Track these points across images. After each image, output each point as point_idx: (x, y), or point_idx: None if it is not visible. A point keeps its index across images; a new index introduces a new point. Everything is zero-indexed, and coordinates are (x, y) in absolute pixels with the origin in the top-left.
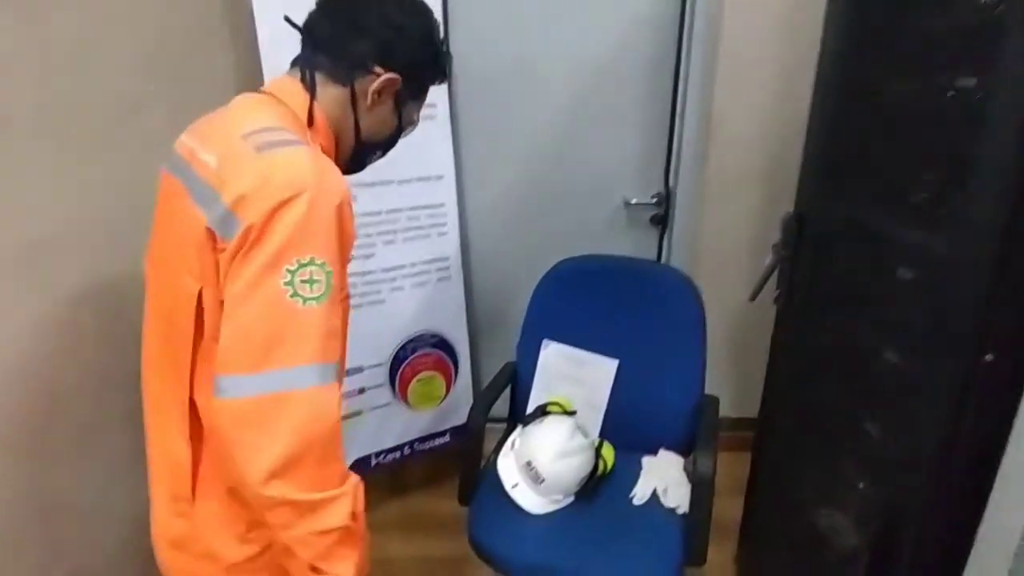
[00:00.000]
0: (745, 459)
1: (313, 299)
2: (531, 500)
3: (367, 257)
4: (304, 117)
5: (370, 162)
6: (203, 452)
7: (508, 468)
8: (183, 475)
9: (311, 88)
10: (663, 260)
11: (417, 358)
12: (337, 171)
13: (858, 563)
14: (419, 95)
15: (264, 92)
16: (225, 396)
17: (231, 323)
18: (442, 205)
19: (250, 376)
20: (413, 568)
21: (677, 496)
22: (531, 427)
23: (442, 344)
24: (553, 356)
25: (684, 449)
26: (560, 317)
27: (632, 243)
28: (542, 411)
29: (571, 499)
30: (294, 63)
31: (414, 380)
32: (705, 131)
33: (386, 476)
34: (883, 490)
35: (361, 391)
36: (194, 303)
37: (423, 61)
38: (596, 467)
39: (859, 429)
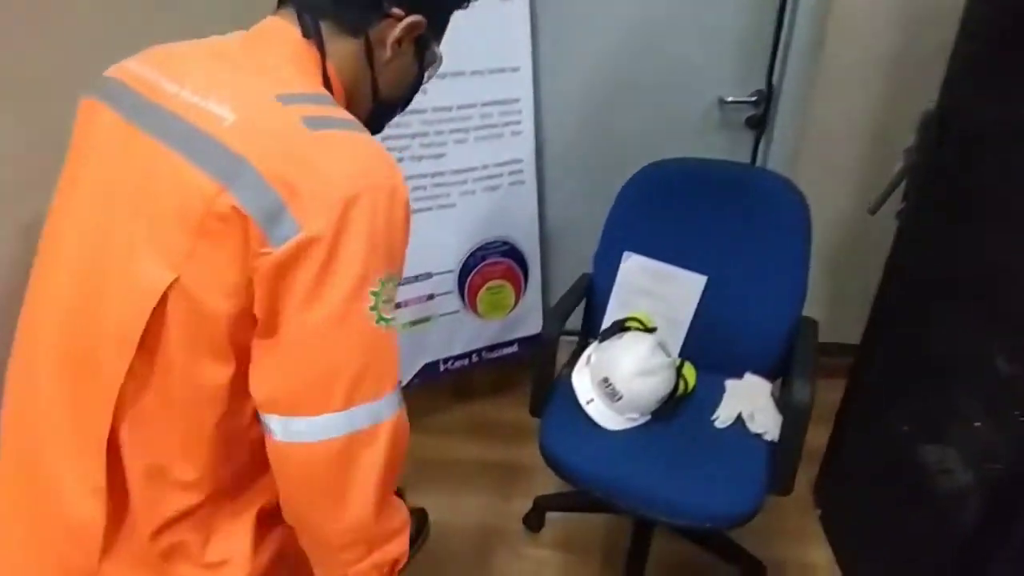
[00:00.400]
0: (833, 386)
1: (393, 319)
2: (606, 416)
3: (438, 157)
4: (316, 77)
5: (388, 122)
6: (122, 508)
7: (583, 383)
8: (87, 542)
9: (319, 42)
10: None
11: (486, 266)
12: (390, 157)
13: (967, 503)
14: (443, 30)
15: (261, 36)
16: (304, 440)
17: (311, 355)
18: (517, 101)
19: (339, 415)
20: (477, 471)
21: (764, 421)
22: (608, 343)
23: (512, 252)
24: (634, 270)
25: (772, 373)
26: (643, 227)
27: (724, 146)
28: (620, 327)
29: (648, 418)
30: (282, 2)
31: (483, 289)
32: (821, 17)
33: (452, 382)
34: (1008, 431)
35: (430, 297)
36: (153, 300)
37: None
38: (676, 387)
39: (985, 364)
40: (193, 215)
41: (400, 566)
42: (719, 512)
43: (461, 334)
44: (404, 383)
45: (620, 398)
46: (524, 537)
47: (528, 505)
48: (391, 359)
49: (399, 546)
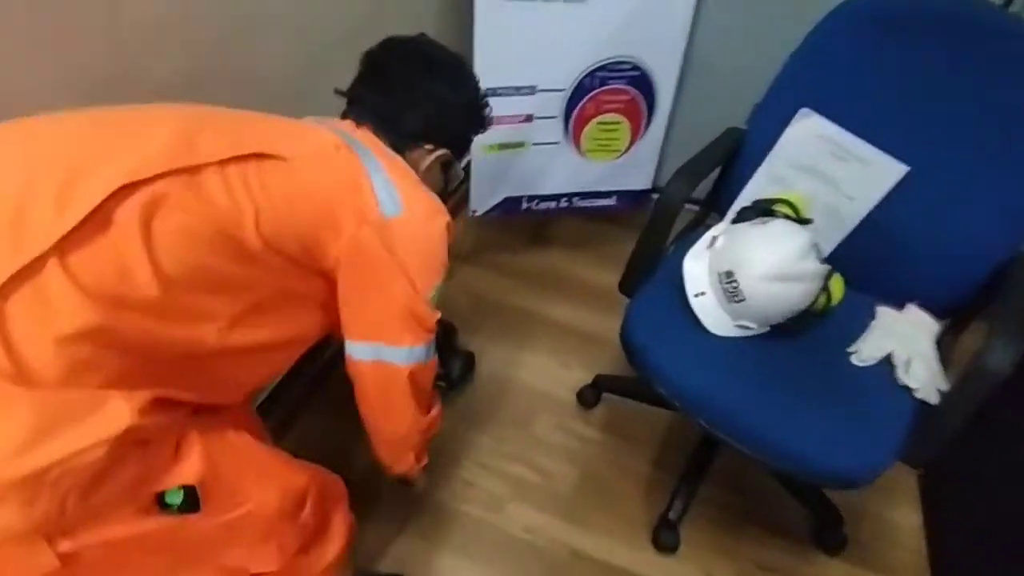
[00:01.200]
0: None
1: None
2: (715, 317)
3: None
4: None
5: None
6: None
7: (697, 270)
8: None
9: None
10: None
11: (604, 93)
12: None
13: None
14: (464, 152)
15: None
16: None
17: None
18: None
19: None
20: (540, 327)
21: (921, 373)
22: (744, 226)
23: (641, 81)
24: (807, 135)
25: (944, 311)
26: (835, 81)
27: None
28: (765, 209)
29: (765, 330)
30: (346, 116)
31: (594, 121)
32: None
33: (533, 223)
34: None
35: (528, 119)
36: None
37: (468, 130)
38: (815, 300)
39: None
40: None
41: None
42: (834, 471)
43: (554, 171)
44: (478, 212)
45: (741, 300)
46: (573, 411)
47: (587, 379)
48: None
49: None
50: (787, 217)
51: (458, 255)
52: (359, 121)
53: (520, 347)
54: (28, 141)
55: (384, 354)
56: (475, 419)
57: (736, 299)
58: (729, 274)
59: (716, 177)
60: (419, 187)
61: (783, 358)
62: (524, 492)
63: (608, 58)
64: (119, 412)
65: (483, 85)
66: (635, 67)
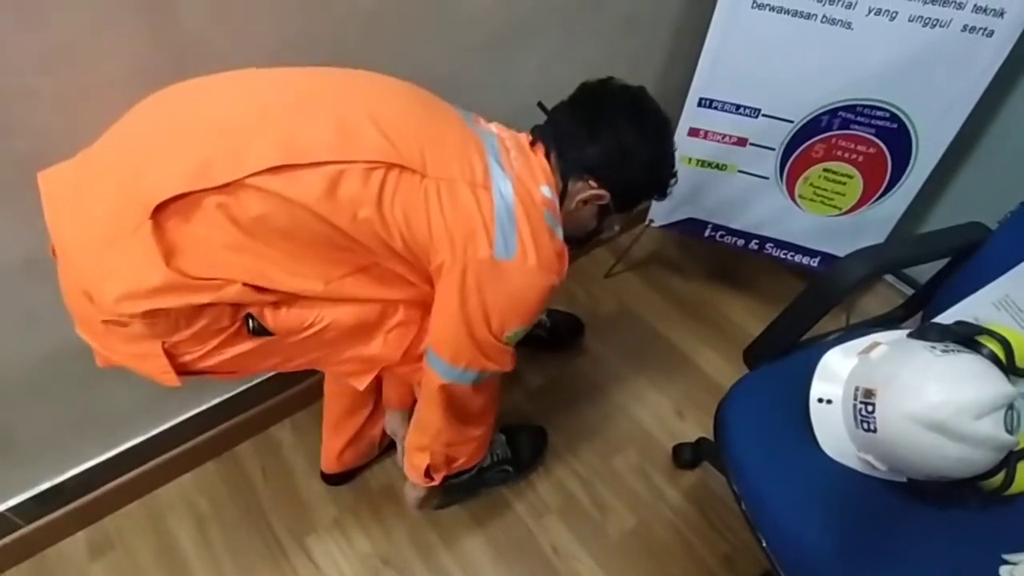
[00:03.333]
0: None
1: None
2: (833, 436)
3: None
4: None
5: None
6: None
7: (834, 372)
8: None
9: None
10: None
11: (843, 138)
12: None
13: None
14: (627, 210)
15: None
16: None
17: None
18: None
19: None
20: (679, 369)
21: None
22: (922, 346)
23: (895, 135)
24: None
25: None
26: None
27: None
28: (966, 336)
29: (901, 479)
30: (533, 131)
31: (819, 167)
32: None
33: (715, 255)
34: None
35: (741, 142)
36: None
37: (640, 187)
38: (985, 477)
39: None
40: None
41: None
42: None
43: (754, 207)
44: (656, 223)
45: (871, 430)
46: (664, 463)
47: (694, 435)
48: None
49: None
50: (992, 358)
51: (628, 259)
52: (538, 139)
53: (643, 374)
54: (264, 86)
55: (429, 357)
56: (563, 422)
57: (865, 426)
58: (869, 393)
59: (929, 282)
60: (544, 239)
61: (912, 527)
62: (571, 514)
63: (860, 98)
64: (229, 292)
65: (702, 94)
66: (892, 117)
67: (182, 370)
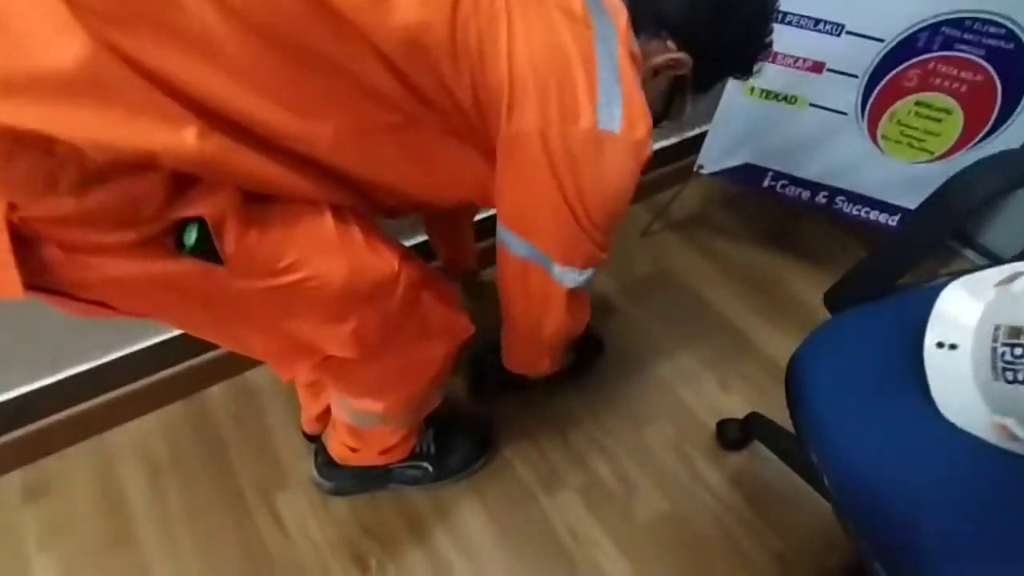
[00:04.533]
0: None
1: None
2: (958, 393)
3: None
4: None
5: None
6: None
7: (959, 309)
8: None
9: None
10: None
11: (944, 61)
12: None
13: None
14: (705, 89)
15: None
16: None
17: None
18: None
19: None
20: (723, 335)
21: None
22: None
23: (1009, 58)
24: None
25: None
26: None
27: None
28: None
29: None
30: None
31: (910, 99)
32: None
33: (770, 210)
34: None
35: (817, 68)
36: None
37: (732, 53)
38: None
39: None
40: None
41: None
42: None
43: (826, 151)
44: (706, 170)
45: (1020, 381)
46: (706, 441)
47: (741, 411)
48: None
49: None
50: None
51: (667, 218)
52: None
53: (682, 342)
54: None
55: (540, 259)
56: (588, 389)
57: (1009, 376)
58: (1016, 332)
59: None
60: (645, 107)
61: None
62: (592, 492)
63: (970, 9)
64: (183, 138)
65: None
66: (1009, 35)
67: (34, 275)
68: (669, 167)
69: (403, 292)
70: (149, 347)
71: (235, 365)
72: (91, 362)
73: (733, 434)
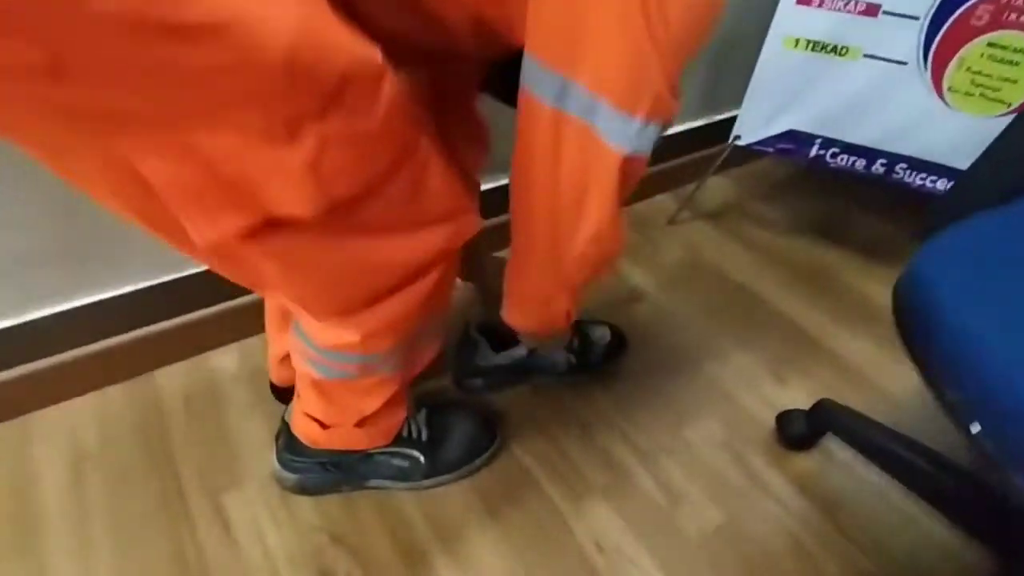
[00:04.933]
0: None
1: None
2: None
3: None
4: None
5: None
6: None
7: None
8: None
9: None
10: None
11: None
12: None
13: None
14: None
15: None
16: None
17: None
18: None
19: None
20: (772, 325)
21: None
22: None
23: None
24: None
25: None
26: None
27: None
28: None
29: None
30: None
31: (981, 40)
32: None
33: (818, 183)
34: None
35: (871, 10)
36: None
37: None
38: None
39: None
40: None
41: None
42: None
43: (883, 109)
44: (743, 141)
45: None
46: (763, 439)
47: (802, 404)
48: None
49: None
50: None
51: (695, 209)
52: None
53: (725, 330)
54: None
55: (583, 107)
56: (613, 384)
57: None
58: None
59: None
60: None
61: None
62: (625, 499)
63: None
64: None
65: None
66: None
67: None
68: (697, 154)
69: (387, 109)
70: (82, 307)
71: (196, 340)
72: (6, 320)
73: (797, 428)
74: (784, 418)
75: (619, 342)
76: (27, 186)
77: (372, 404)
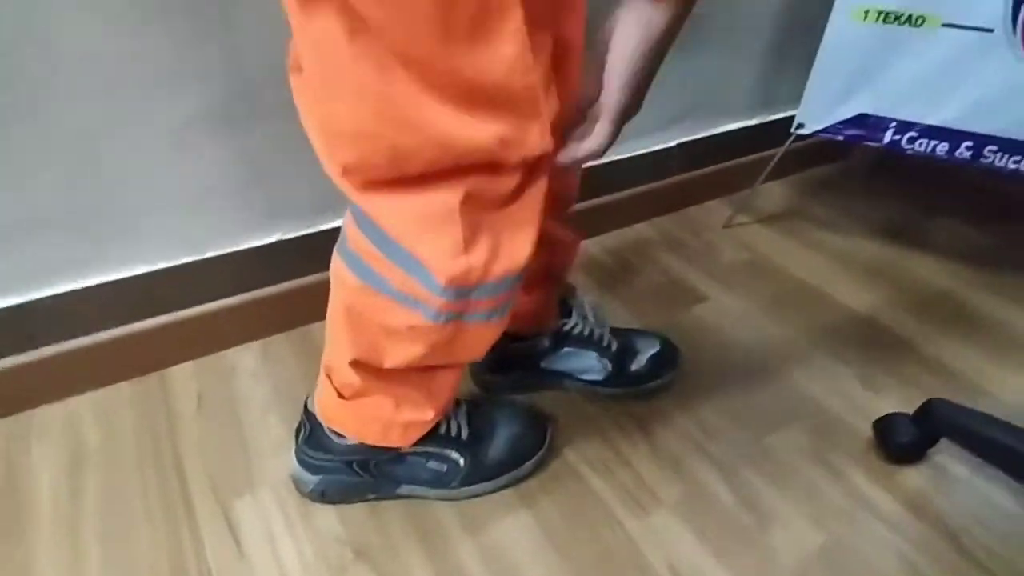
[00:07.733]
0: None
1: None
2: None
3: None
4: None
5: None
6: None
7: None
8: None
9: None
10: None
11: None
12: None
13: None
14: None
15: None
16: None
17: None
18: None
19: None
20: (826, 305)
21: None
22: None
23: None
24: None
25: None
26: None
27: None
28: None
29: None
30: None
31: None
32: None
33: (861, 203)
34: None
35: None
36: None
37: None
38: None
39: None
40: None
41: None
42: None
43: (967, 84)
44: (807, 129)
45: None
46: (860, 449)
47: (903, 406)
48: None
49: None
50: None
51: (753, 212)
52: None
53: (802, 333)
54: None
55: None
56: (684, 388)
57: None
58: None
59: None
60: None
61: None
62: (701, 515)
63: None
64: None
65: None
66: None
67: None
68: (749, 157)
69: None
70: (80, 290)
71: (215, 336)
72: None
73: (902, 435)
74: (885, 425)
75: (669, 355)
76: (34, 145)
77: (416, 346)
